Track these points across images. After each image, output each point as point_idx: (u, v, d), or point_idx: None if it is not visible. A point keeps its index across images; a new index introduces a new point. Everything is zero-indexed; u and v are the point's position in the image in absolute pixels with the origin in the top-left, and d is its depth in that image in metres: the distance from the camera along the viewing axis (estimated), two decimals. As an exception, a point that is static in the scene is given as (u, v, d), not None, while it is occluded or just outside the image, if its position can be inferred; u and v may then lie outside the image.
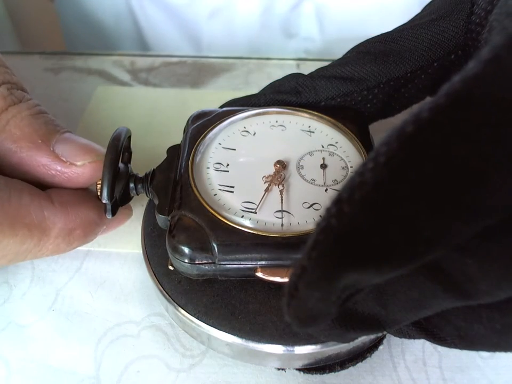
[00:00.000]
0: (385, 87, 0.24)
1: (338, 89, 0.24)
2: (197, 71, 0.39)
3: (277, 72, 0.38)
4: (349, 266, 0.12)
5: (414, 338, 0.18)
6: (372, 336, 0.21)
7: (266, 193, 0.22)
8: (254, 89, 0.28)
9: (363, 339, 0.21)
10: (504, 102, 0.10)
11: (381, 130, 0.26)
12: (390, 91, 0.24)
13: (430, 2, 0.26)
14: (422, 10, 0.26)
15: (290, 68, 0.39)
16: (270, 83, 0.26)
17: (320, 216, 0.12)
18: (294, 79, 0.25)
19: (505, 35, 0.10)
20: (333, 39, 0.43)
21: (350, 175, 0.12)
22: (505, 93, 0.10)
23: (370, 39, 0.25)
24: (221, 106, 0.26)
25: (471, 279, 0.13)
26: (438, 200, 0.11)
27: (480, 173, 0.11)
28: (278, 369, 0.23)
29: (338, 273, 0.12)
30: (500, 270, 0.13)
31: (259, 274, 0.20)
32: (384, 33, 0.25)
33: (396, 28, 0.25)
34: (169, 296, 0.22)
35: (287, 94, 0.25)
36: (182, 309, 0.22)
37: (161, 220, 0.22)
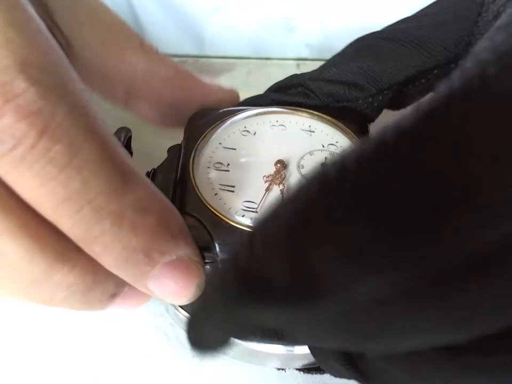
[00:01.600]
0: (389, 93, 0.24)
1: (344, 95, 0.24)
2: (197, 71, 0.39)
3: (277, 72, 0.38)
4: (248, 301, 0.11)
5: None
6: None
7: (267, 192, 0.22)
8: (254, 89, 0.28)
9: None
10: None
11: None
12: (394, 95, 0.24)
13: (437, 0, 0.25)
14: (429, 7, 0.25)
15: (290, 68, 0.39)
16: (272, 86, 0.26)
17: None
18: (296, 81, 0.25)
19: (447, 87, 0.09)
20: (334, 30, 0.43)
21: (265, 212, 0.11)
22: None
23: (371, 34, 0.25)
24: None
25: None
26: (345, 257, 0.10)
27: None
28: (278, 369, 0.23)
29: (239, 311, 0.12)
30: None
31: (259, 273, 0.20)
32: (387, 29, 0.25)
33: (400, 25, 0.25)
34: (169, 296, 0.22)
35: (293, 96, 0.25)
36: (182, 309, 0.22)
37: (161, 219, 0.22)
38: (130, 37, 0.25)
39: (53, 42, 0.17)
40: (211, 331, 0.13)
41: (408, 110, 0.10)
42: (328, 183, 0.10)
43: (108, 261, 0.17)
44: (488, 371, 0.12)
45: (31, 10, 0.17)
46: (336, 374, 0.18)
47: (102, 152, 0.16)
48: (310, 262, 0.10)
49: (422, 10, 0.25)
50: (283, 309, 0.11)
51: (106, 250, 0.16)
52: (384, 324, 0.12)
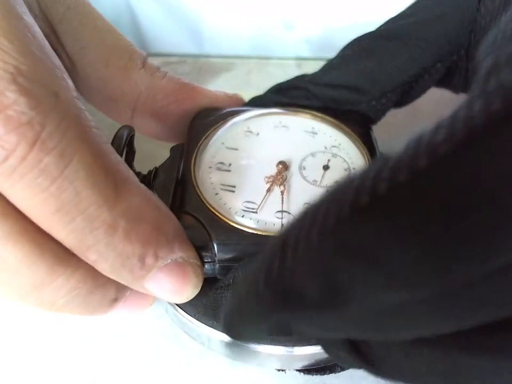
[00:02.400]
0: (392, 95, 0.24)
1: (347, 100, 0.24)
2: (197, 71, 0.39)
3: (277, 71, 0.38)
4: (282, 311, 0.12)
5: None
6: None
7: (268, 193, 0.22)
8: (254, 89, 0.28)
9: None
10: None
11: (383, 131, 0.26)
12: (397, 97, 0.24)
13: None
14: (422, 0, 0.25)
15: (290, 67, 0.39)
16: (273, 87, 0.26)
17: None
18: (297, 84, 0.25)
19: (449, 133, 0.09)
20: (333, 26, 0.43)
21: (294, 220, 0.12)
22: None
23: (369, 33, 0.25)
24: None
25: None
26: (375, 275, 0.10)
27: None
28: (278, 370, 0.23)
29: (271, 315, 0.12)
30: None
31: (259, 274, 0.20)
32: (385, 28, 0.25)
33: (398, 22, 0.25)
34: (169, 296, 0.22)
35: (294, 98, 0.25)
36: (182, 309, 0.21)
37: (162, 219, 0.22)
38: (134, 57, 0.25)
39: (48, 49, 0.17)
40: (245, 326, 0.13)
41: (438, 135, 0.09)
42: (358, 206, 0.10)
43: (103, 267, 0.17)
44: (490, 351, 0.12)
45: (29, 18, 0.16)
46: (343, 363, 0.18)
47: (94, 161, 0.16)
48: (340, 278, 0.11)
49: (415, 4, 0.25)
50: (312, 315, 0.12)
51: (101, 258, 0.16)
52: (399, 320, 0.12)
